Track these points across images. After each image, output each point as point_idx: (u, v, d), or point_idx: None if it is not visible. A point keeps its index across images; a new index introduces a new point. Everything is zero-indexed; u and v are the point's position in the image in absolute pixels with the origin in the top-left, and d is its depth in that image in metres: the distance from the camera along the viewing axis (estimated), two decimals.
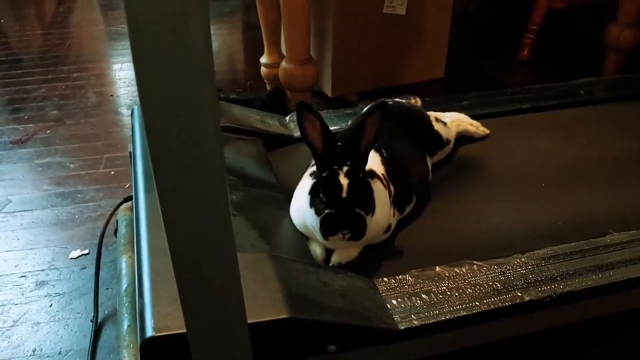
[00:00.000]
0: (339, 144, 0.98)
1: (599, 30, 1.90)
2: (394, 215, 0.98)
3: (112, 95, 1.93)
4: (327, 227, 0.86)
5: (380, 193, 0.93)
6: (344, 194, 0.86)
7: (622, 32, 1.81)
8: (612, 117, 1.44)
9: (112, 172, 1.50)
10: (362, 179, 0.88)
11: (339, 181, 0.86)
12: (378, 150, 1.02)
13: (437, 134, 1.18)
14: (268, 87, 1.91)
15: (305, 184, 0.94)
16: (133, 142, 1.17)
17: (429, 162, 1.15)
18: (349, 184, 0.86)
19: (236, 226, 0.89)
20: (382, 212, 0.93)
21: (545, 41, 2.10)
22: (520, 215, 1.07)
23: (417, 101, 1.30)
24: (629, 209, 1.09)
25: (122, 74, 2.07)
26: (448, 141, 1.21)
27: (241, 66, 2.24)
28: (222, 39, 2.41)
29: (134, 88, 1.98)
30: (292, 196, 1.00)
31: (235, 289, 0.60)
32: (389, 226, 0.96)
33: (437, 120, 1.21)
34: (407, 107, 1.20)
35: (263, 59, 1.86)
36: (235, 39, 2.44)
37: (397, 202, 1.00)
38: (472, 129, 1.30)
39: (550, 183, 1.17)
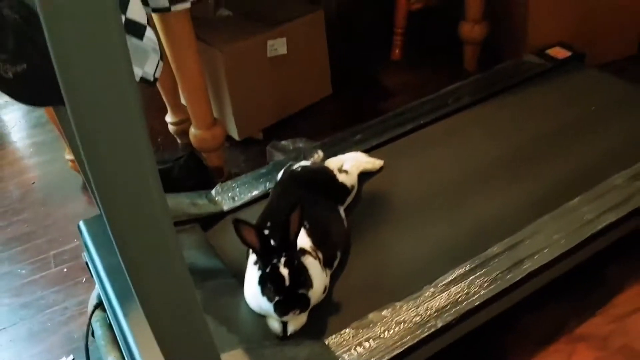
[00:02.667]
0: (268, 224, 1.21)
1: (454, 26, 2.17)
2: (326, 275, 1.21)
3: (33, 183, 2.01)
4: (280, 310, 1.08)
5: (313, 266, 1.15)
6: (287, 282, 1.07)
7: (472, 28, 2.10)
8: (484, 119, 1.72)
9: (65, 270, 1.63)
10: (297, 265, 1.10)
11: (280, 273, 1.07)
12: (302, 224, 1.24)
13: (342, 185, 1.41)
14: (179, 141, 2.06)
15: (252, 273, 1.14)
16: (89, 254, 1.33)
17: (342, 211, 1.38)
18: (289, 273, 1.07)
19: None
20: (318, 281, 1.15)
21: (413, 39, 2.36)
22: (425, 241, 1.32)
23: (319, 155, 1.52)
24: (507, 214, 1.37)
25: (35, 155, 2.14)
26: (353, 187, 1.44)
27: (148, 123, 2.35)
28: None
29: (53, 168, 2.07)
30: (241, 276, 1.21)
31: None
32: (325, 288, 1.19)
33: (340, 171, 1.44)
34: (315, 169, 1.41)
35: (168, 118, 2.01)
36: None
37: (326, 263, 1.23)
38: (369, 166, 1.54)
39: (444, 200, 1.44)
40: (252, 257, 1.19)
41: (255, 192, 1.50)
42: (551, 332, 1.28)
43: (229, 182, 1.54)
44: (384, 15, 2.36)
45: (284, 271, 1.08)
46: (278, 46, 1.93)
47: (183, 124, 1.99)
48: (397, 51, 2.34)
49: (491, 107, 1.75)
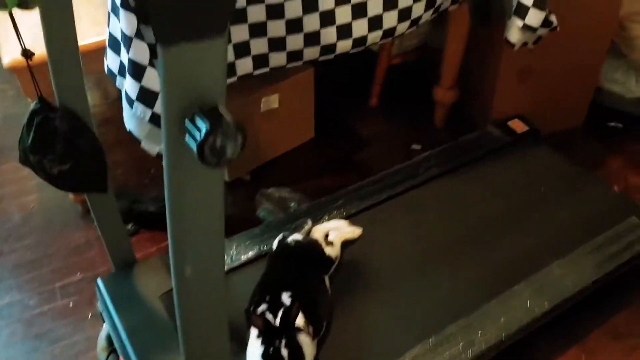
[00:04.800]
0: (267, 298, 1.44)
1: (429, 83, 2.41)
2: (314, 346, 1.46)
3: (32, 206, 2.16)
4: None
5: (306, 343, 1.39)
6: None
7: (444, 93, 2.34)
8: (443, 193, 1.97)
9: (70, 304, 1.81)
10: (295, 345, 1.34)
11: (282, 355, 1.31)
12: (297, 300, 1.47)
13: (328, 257, 1.64)
14: None
15: (255, 345, 1.37)
16: (106, 310, 1.52)
17: (327, 280, 1.62)
18: (288, 354, 1.32)
19: None
20: (309, 354, 1.40)
21: (390, 89, 2.59)
22: (397, 315, 1.57)
23: (308, 225, 1.74)
24: (459, 294, 1.64)
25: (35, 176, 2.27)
26: (337, 257, 1.67)
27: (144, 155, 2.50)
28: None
29: (52, 191, 2.21)
30: (237, 337, 1.43)
31: None
32: (315, 358, 1.44)
33: (326, 243, 1.67)
34: (305, 245, 1.64)
35: None
36: None
37: (315, 334, 1.47)
38: (350, 236, 1.77)
39: (407, 275, 1.69)
40: (255, 331, 1.42)
41: (250, 254, 1.72)
42: None
43: (226, 241, 1.75)
44: (367, 65, 2.57)
45: (284, 352, 1.32)
46: (271, 102, 2.12)
47: None
48: (375, 99, 2.56)
49: (454, 180, 2.01)
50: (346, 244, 1.75)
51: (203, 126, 0.65)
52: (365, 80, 2.60)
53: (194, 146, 0.65)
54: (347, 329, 1.55)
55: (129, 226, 2.02)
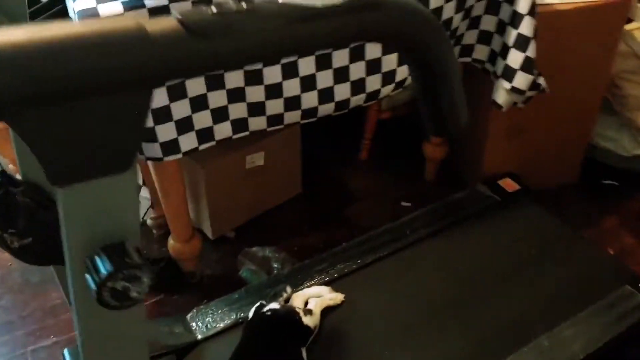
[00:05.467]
0: None
1: (419, 137, 2.37)
2: None
3: (10, 264, 2.11)
4: None
5: None
6: None
7: (434, 149, 2.30)
8: (429, 256, 1.92)
9: None
10: None
11: None
12: None
13: (306, 327, 1.58)
14: (154, 232, 2.19)
15: None
16: None
17: (304, 353, 1.55)
18: None
19: None
20: None
21: (379, 143, 2.55)
22: None
23: (288, 292, 1.68)
24: (461, 351, 1.57)
25: None
26: (315, 327, 1.61)
27: None
28: None
29: None
30: None
31: None
32: None
33: (305, 313, 1.61)
34: (282, 314, 1.57)
35: (149, 214, 2.14)
36: None
37: None
38: (331, 302, 1.71)
39: (391, 342, 1.63)
40: None
41: (227, 321, 1.66)
42: None
43: (203, 307, 1.70)
44: (356, 119, 2.54)
45: None
46: (256, 159, 2.08)
47: (161, 218, 2.12)
48: (364, 153, 2.53)
49: (442, 241, 1.95)
50: (326, 311, 1.69)
51: (103, 268, 0.60)
52: (354, 134, 2.57)
53: (93, 288, 0.60)
54: None
55: None
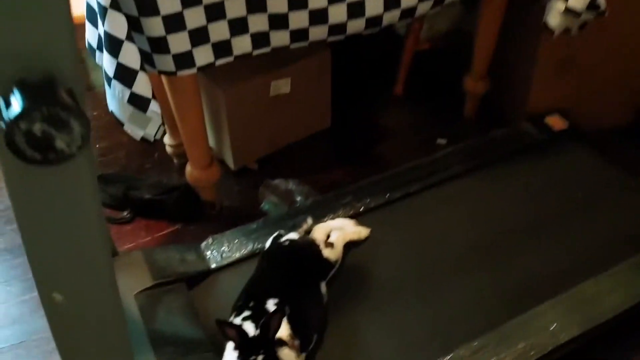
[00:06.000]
0: (251, 304, 1.28)
1: (459, 71, 2.19)
2: None
3: None
4: None
5: (289, 358, 1.23)
6: None
7: (475, 83, 2.12)
8: (474, 190, 1.77)
9: None
10: None
11: None
12: (281, 309, 1.30)
13: (327, 260, 1.46)
14: (175, 161, 2.09)
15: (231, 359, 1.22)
16: None
17: (324, 287, 1.44)
18: None
19: None
20: None
21: (416, 77, 2.37)
22: (401, 333, 1.38)
23: (308, 223, 1.56)
24: (492, 300, 1.44)
25: None
26: (337, 261, 1.49)
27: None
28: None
29: None
30: (218, 350, 1.28)
31: None
32: None
33: (326, 245, 1.49)
34: (300, 246, 1.46)
35: (166, 140, 2.03)
36: None
37: (302, 348, 1.30)
38: (355, 236, 1.59)
39: (424, 282, 1.49)
40: (231, 344, 1.25)
41: (243, 251, 1.55)
42: None
43: (219, 236, 1.59)
44: (392, 49, 2.37)
45: None
46: (282, 86, 1.94)
47: (181, 147, 2.01)
48: (399, 87, 2.36)
49: (480, 179, 1.80)
50: (350, 246, 1.57)
51: (17, 104, 0.47)
52: (390, 67, 2.39)
53: (2, 127, 0.47)
54: (341, 346, 1.37)
55: (125, 213, 1.89)
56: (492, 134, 1.95)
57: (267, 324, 1.17)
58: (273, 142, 2.10)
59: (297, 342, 1.27)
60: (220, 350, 1.26)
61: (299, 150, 2.16)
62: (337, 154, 2.19)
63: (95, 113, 2.28)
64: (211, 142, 1.97)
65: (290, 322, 1.29)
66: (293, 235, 1.49)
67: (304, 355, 1.30)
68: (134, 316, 1.33)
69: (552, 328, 1.36)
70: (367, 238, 1.61)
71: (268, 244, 1.49)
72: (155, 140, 1.48)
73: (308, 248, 1.47)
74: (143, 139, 1.47)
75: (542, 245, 1.59)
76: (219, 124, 1.94)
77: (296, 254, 1.44)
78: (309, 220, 1.57)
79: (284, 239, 1.48)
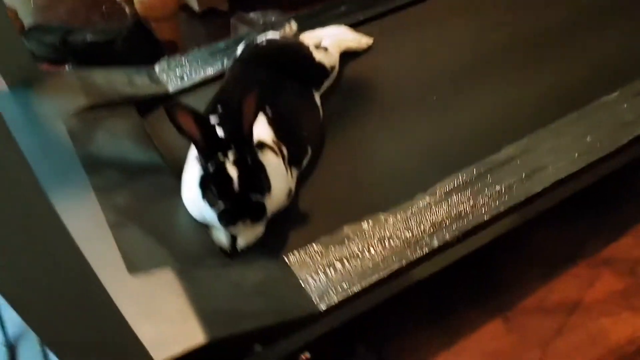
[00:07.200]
0: (220, 111, 0.93)
1: None
2: (291, 176, 0.94)
3: None
4: (227, 220, 0.82)
5: (273, 164, 0.88)
6: (236, 187, 0.80)
7: None
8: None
9: None
10: (251, 164, 0.82)
11: (227, 174, 0.80)
12: (262, 110, 0.95)
13: (320, 65, 1.11)
14: (127, 10, 1.71)
15: (193, 171, 0.87)
16: None
17: (317, 97, 1.09)
18: (239, 175, 0.80)
19: (130, 238, 0.83)
20: (279, 183, 0.88)
21: None
22: (415, 143, 1.05)
23: (291, 27, 1.20)
24: (517, 112, 1.09)
25: None
26: (332, 68, 1.14)
27: None
28: None
29: None
30: (180, 175, 0.93)
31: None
32: (289, 191, 0.92)
33: (317, 48, 1.13)
34: (284, 44, 1.10)
35: None
36: None
37: (293, 160, 0.95)
38: (353, 44, 1.23)
39: (441, 93, 1.14)
40: (194, 150, 0.90)
41: (209, 72, 1.19)
42: (568, 255, 1.04)
43: (178, 57, 1.23)
44: None
45: (233, 171, 0.81)
46: None
47: None
48: None
49: None
50: (349, 56, 1.21)
51: None
52: None
53: None
54: (341, 162, 1.02)
55: (66, 66, 1.51)
56: None
57: (239, 108, 0.82)
58: None
59: (284, 150, 0.93)
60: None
61: None
62: None
63: None
64: None
65: (273, 126, 0.94)
66: (273, 35, 1.13)
67: (296, 171, 0.96)
68: (63, 141, 0.98)
69: (625, 118, 1.02)
70: (368, 48, 1.25)
71: (239, 50, 1.12)
72: None
73: (295, 48, 1.11)
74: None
75: (556, 57, 1.21)
76: None
77: (279, 53, 1.08)
78: (293, 24, 1.21)
79: (259, 39, 1.11)
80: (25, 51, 1.12)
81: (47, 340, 0.52)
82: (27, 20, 1.67)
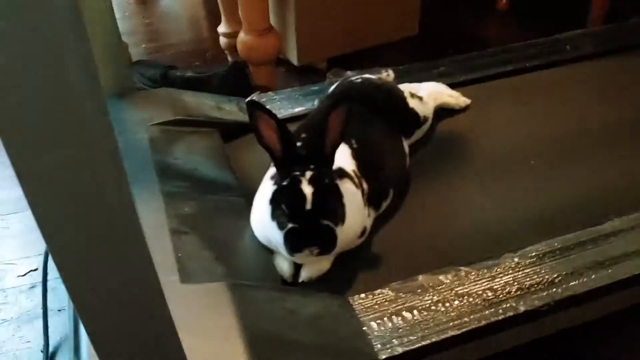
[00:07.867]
0: (303, 136, 0.88)
1: None
2: (368, 215, 0.87)
3: None
4: (292, 244, 0.75)
5: (351, 195, 0.82)
6: (309, 205, 0.74)
7: None
8: (605, 74, 1.32)
9: None
10: (328, 184, 0.76)
11: (301, 190, 0.74)
12: (347, 142, 0.89)
13: (413, 112, 1.06)
14: (229, 59, 1.76)
15: (266, 190, 0.82)
16: None
17: (406, 145, 1.03)
18: (313, 193, 0.74)
19: (189, 248, 0.78)
20: (354, 217, 0.81)
21: None
22: (508, 203, 0.96)
23: (389, 74, 1.16)
24: (627, 186, 0.99)
25: None
26: (425, 119, 1.09)
27: (202, 34, 2.07)
28: (181, 1, 2.24)
29: None
30: (252, 200, 0.88)
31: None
32: (364, 229, 0.85)
33: (413, 95, 1.08)
34: (377, 84, 1.06)
35: (221, 28, 1.70)
36: (197, 1, 2.25)
37: (372, 199, 0.88)
38: (451, 100, 1.18)
39: (541, 159, 1.06)
40: (271, 171, 0.85)
41: (299, 109, 1.17)
42: None
43: (271, 93, 1.22)
44: None
45: (307, 189, 0.75)
46: None
47: (236, 37, 1.68)
48: (504, 1, 1.95)
49: (611, 65, 1.34)
50: (444, 113, 1.16)
51: None
52: None
53: None
54: (425, 212, 0.94)
55: None
56: (631, 21, 1.49)
57: (322, 125, 0.77)
58: (348, 41, 1.73)
59: (365, 184, 0.86)
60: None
61: (378, 54, 1.77)
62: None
63: (147, 21, 2.03)
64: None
65: (356, 159, 0.88)
66: (369, 76, 1.10)
67: (374, 212, 0.89)
68: (142, 146, 0.96)
69: None
70: (466, 108, 1.19)
71: (333, 87, 1.10)
72: None
73: (388, 91, 1.06)
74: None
75: None
76: (285, 2, 1.59)
77: (373, 92, 1.04)
78: (391, 72, 1.17)
79: (355, 77, 1.08)
80: (127, 68, 1.15)
81: (99, 347, 0.47)
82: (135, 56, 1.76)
